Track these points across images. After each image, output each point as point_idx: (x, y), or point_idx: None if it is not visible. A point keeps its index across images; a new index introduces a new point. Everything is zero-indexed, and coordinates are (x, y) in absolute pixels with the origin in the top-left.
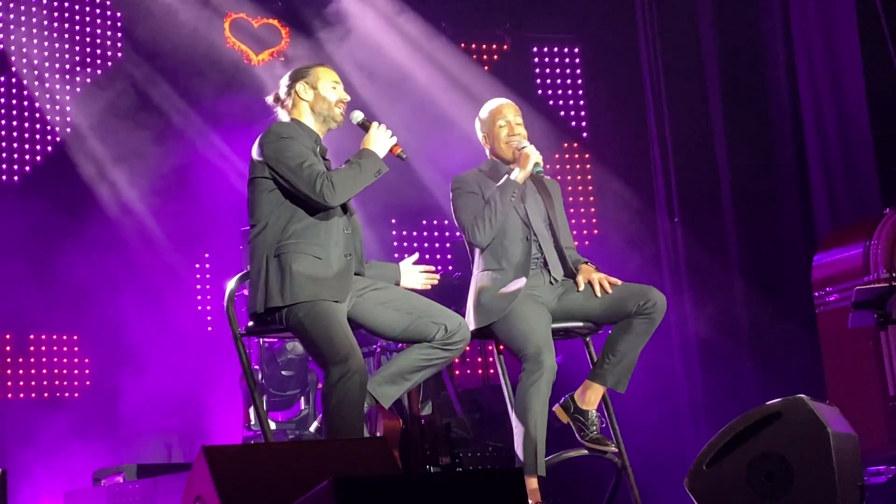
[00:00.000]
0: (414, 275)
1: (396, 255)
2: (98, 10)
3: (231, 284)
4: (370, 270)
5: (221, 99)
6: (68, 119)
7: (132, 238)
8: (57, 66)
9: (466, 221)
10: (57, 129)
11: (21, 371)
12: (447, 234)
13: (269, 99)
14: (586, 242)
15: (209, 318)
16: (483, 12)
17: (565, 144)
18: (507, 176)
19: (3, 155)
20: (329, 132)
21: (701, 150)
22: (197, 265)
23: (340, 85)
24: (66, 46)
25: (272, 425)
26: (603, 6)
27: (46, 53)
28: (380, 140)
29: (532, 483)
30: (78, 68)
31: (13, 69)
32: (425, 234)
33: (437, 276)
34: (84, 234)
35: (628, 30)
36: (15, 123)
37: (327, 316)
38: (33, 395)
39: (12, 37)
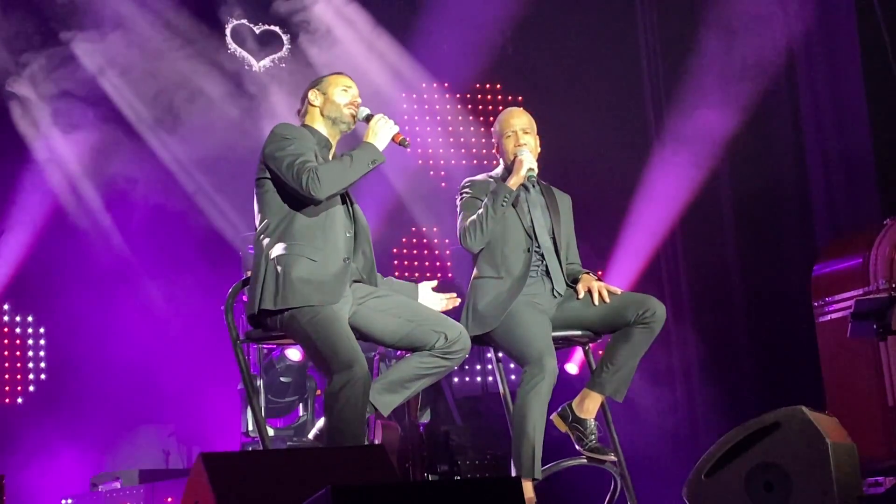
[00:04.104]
0: (433, 298)
1: (396, 262)
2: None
3: (231, 290)
4: (386, 287)
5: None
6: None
7: (123, 236)
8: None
9: (460, 226)
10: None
11: (19, 376)
12: (447, 240)
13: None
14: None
15: (208, 323)
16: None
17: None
18: (500, 181)
19: None
20: (343, 136)
21: (701, 160)
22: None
23: (353, 88)
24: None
25: (270, 432)
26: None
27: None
28: (380, 131)
29: (528, 487)
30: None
31: None
32: (425, 240)
33: (458, 300)
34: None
35: (629, 36)
36: None
37: (331, 322)
38: (31, 399)
39: None
